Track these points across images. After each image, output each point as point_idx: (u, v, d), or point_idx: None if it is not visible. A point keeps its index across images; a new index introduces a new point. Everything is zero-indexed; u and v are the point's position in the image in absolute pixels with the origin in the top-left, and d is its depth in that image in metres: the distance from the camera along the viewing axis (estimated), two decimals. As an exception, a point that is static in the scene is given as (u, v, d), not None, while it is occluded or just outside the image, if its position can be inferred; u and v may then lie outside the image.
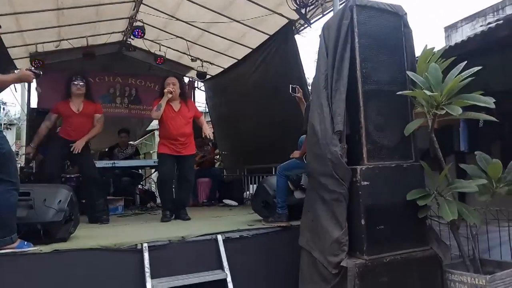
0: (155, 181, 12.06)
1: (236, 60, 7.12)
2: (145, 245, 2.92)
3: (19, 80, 3.29)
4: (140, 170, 6.87)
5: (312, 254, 2.94)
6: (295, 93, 3.96)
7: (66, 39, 6.57)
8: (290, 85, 3.94)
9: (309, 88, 4.87)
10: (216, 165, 8.17)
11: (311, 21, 5.20)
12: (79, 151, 4.12)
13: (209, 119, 8.84)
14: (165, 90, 4.26)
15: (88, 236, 3.28)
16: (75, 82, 4.23)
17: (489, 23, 3.94)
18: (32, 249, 2.76)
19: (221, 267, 3.02)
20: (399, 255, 2.74)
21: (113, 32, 7.00)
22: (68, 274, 2.74)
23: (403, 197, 2.76)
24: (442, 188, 2.83)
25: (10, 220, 2.76)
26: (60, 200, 3.04)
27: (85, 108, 4.31)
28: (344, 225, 2.71)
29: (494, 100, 2.59)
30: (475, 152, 2.98)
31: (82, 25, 6.28)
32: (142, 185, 7.28)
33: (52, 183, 3.74)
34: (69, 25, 6.11)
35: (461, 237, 2.97)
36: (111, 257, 2.89)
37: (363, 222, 2.69)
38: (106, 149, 6.88)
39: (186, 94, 4.65)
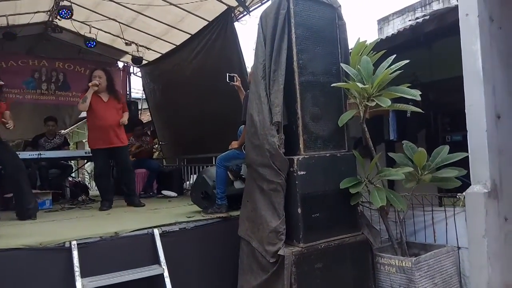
0: (88, 172, 11.51)
1: (174, 46, 6.88)
2: (74, 242, 2.74)
3: None
4: (71, 161, 6.44)
5: (251, 244, 2.96)
6: (233, 81, 3.90)
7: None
8: (227, 74, 3.88)
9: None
10: (155, 155, 7.92)
11: (250, 9, 5.16)
12: None
13: (147, 107, 8.52)
14: (90, 84, 4.37)
15: (11, 235, 3.04)
16: None
17: (417, 18, 4.15)
18: None
19: (157, 262, 2.93)
20: (333, 241, 2.85)
21: (37, 12, 6.40)
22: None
23: (337, 186, 2.87)
24: (372, 176, 2.98)
25: None
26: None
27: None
28: (281, 215, 2.75)
29: (420, 93, 2.73)
30: (403, 141, 3.16)
31: (0, 2, 5.67)
32: (72, 177, 6.85)
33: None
34: (-18, 1, 5.51)
35: (390, 221, 3.16)
36: (36, 257, 2.69)
37: (299, 211, 2.75)
38: (30, 139, 6.36)
39: (114, 87, 4.71)
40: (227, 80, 3.87)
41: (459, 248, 3.07)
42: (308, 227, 2.77)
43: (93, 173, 7.43)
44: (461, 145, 3.30)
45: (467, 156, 2.64)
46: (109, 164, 4.78)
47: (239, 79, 3.94)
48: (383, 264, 2.94)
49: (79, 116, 8.52)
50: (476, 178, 2.55)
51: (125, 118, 4.59)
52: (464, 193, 2.63)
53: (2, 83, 3.33)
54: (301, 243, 2.73)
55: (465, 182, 2.77)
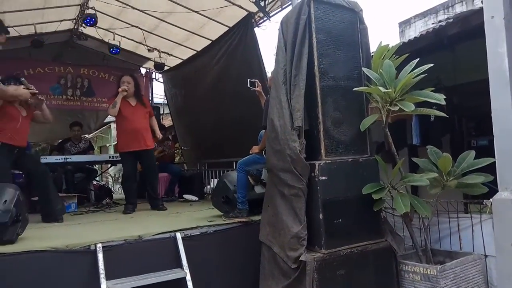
0: (112, 176, 11.74)
1: (195, 52, 6.97)
2: (99, 245, 2.80)
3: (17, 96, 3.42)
4: (95, 165, 6.59)
5: (273, 249, 2.95)
6: (254, 87, 3.92)
7: (12, 26, 6.13)
8: (248, 79, 3.90)
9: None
10: (177, 159, 8.01)
11: (270, 14, 5.18)
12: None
13: (168, 111, 8.64)
14: (119, 89, 4.54)
15: (38, 237, 3.11)
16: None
17: (440, 21, 4.08)
18: None
19: (180, 265, 2.95)
20: (356, 247, 2.82)
21: (63, 20, 6.61)
22: (15, 279, 2.58)
23: (359, 191, 2.84)
24: (396, 182, 2.93)
25: None
26: (5, 200, 2.87)
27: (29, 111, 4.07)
28: (303, 220, 2.74)
29: (444, 97, 2.68)
30: (427, 146, 3.11)
31: (29, 11, 5.88)
32: (97, 181, 7.00)
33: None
34: (14, 11, 5.71)
35: (414, 228, 3.10)
36: (63, 259, 2.75)
37: (321, 216, 2.74)
38: (56, 144, 6.55)
39: (141, 92, 4.91)
40: (248, 85, 3.90)
41: (486, 256, 2.98)
42: (330, 233, 2.74)
43: (118, 176, 7.57)
44: (487, 150, 3.21)
45: (494, 162, 2.57)
46: (136, 168, 4.93)
47: (260, 84, 3.96)
48: (407, 272, 2.88)
49: (104, 121, 8.72)
50: (504, 184, 2.47)
51: (157, 130, 4.88)
52: (491, 200, 2.55)
53: (37, 91, 3.53)
54: (323, 249, 2.71)
55: (492, 188, 2.70)
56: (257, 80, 3.96)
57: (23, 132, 3.91)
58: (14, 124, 3.80)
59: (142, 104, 4.76)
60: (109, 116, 10.06)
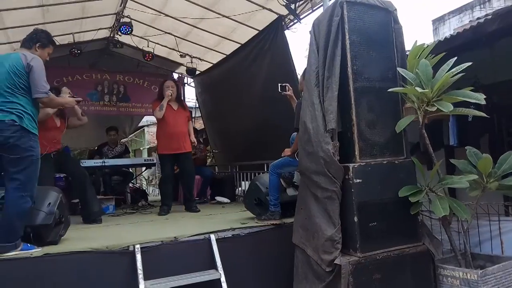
0: (146, 178, 12.02)
1: (225, 56, 7.06)
2: (137, 246, 2.88)
3: (64, 104, 3.58)
4: (131, 169, 6.79)
5: (306, 252, 2.94)
6: (285, 91, 3.91)
7: (52, 36, 6.43)
8: (279, 84, 3.90)
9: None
10: (208, 162, 8.12)
11: (301, 17, 5.17)
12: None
13: (200, 115, 8.78)
14: (167, 93, 4.72)
15: (79, 238, 3.24)
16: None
17: (478, 18, 3.94)
18: (36, 250, 2.76)
19: (214, 266, 3.00)
20: (392, 251, 2.76)
21: (100, 29, 6.87)
22: (59, 278, 2.70)
23: (395, 194, 2.78)
24: (434, 184, 2.86)
25: (20, 227, 2.75)
26: (49, 203, 3.00)
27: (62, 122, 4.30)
28: (337, 223, 2.72)
29: (484, 96, 2.59)
30: (466, 147, 3.01)
31: (67, 21, 6.14)
32: (133, 183, 7.21)
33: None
34: (55, 21, 5.98)
35: (453, 231, 3.01)
36: (103, 259, 2.85)
37: (356, 219, 2.70)
38: (96, 148, 6.79)
39: (181, 97, 5.13)
40: (279, 90, 3.90)
41: (530, 261, 2.86)
42: (365, 236, 2.70)
43: (151, 179, 7.73)
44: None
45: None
46: (173, 170, 5.08)
47: (291, 88, 3.95)
48: (446, 276, 2.80)
49: (138, 125, 8.95)
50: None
51: (192, 135, 5.01)
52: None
53: (81, 99, 3.74)
54: (358, 253, 2.68)
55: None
56: (287, 84, 3.95)
57: (56, 141, 4.16)
58: (51, 134, 4.06)
59: (183, 108, 4.95)
60: (143, 120, 10.35)
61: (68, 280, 2.71)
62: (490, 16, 3.52)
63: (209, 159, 8.22)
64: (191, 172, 5.01)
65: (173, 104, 4.86)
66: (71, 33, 6.57)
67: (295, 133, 3.55)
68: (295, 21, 5.27)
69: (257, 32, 6.00)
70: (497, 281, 2.66)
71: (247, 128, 6.62)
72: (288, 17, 5.42)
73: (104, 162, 5.55)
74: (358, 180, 2.73)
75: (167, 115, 4.75)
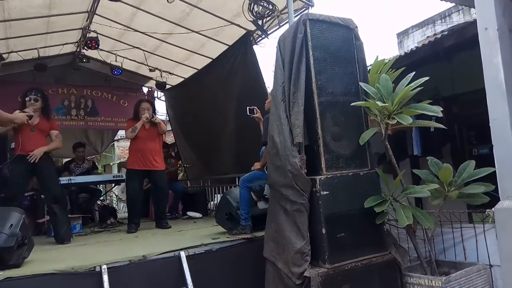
0: (116, 195, 11.75)
1: (196, 70, 7.07)
2: (104, 266, 2.81)
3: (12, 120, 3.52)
4: (100, 185, 6.63)
5: (277, 265, 2.95)
6: (253, 114, 3.93)
7: (16, 51, 6.26)
8: (247, 107, 3.92)
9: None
10: (179, 176, 8.04)
11: (268, 32, 5.26)
12: (36, 160, 3.87)
13: (171, 129, 8.70)
14: (143, 117, 4.71)
15: (44, 260, 3.13)
16: (26, 98, 4.03)
17: (435, 34, 4.14)
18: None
19: (185, 284, 2.96)
20: (360, 261, 2.81)
21: (65, 43, 6.75)
22: (22, 303, 2.59)
23: (361, 205, 2.84)
24: (397, 194, 2.94)
25: None
26: (11, 224, 2.89)
27: (40, 124, 4.11)
28: (306, 235, 2.74)
29: (441, 109, 2.71)
30: (427, 158, 3.12)
31: (32, 36, 6.01)
32: (101, 200, 7.03)
33: (11, 205, 3.50)
34: (18, 36, 5.84)
35: (418, 239, 3.10)
36: (68, 281, 2.76)
37: (324, 231, 2.74)
38: (62, 164, 6.61)
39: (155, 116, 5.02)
40: (248, 113, 3.90)
41: (491, 266, 2.97)
42: (333, 248, 2.74)
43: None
44: (489, 158, 3.22)
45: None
46: (142, 186, 5.06)
47: (258, 111, 3.97)
48: (412, 284, 2.87)
49: (111, 143, 8.75)
50: (505, 193, 2.48)
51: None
52: (493, 209, 2.56)
53: (32, 114, 3.70)
54: (327, 264, 2.71)
55: (496, 197, 2.70)
56: (255, 107, 3.96)
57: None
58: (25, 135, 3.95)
59: (155, 127, 4.92)
60: (116, 136, 10.13)
61: (32, 305, 2.61)
62: (446, 32, 3.70)
63: (181, 174, 8.13)
64: (165, 190, 5.00)
65: (145, 124, 4.84)
66: (36, 48, 6.42)
67: (264, 147, 3.58)
68: (263, 36, 5.36)
69: (227, 46, 6.07)
70: (461, 286, 2.75)
71: (218, 142, 6.62)
72: (256, 32, 5.51)
73: (71, 179, 5.40)
74: (325, 192, 2.78)
75: (139, 133, 4.77)
